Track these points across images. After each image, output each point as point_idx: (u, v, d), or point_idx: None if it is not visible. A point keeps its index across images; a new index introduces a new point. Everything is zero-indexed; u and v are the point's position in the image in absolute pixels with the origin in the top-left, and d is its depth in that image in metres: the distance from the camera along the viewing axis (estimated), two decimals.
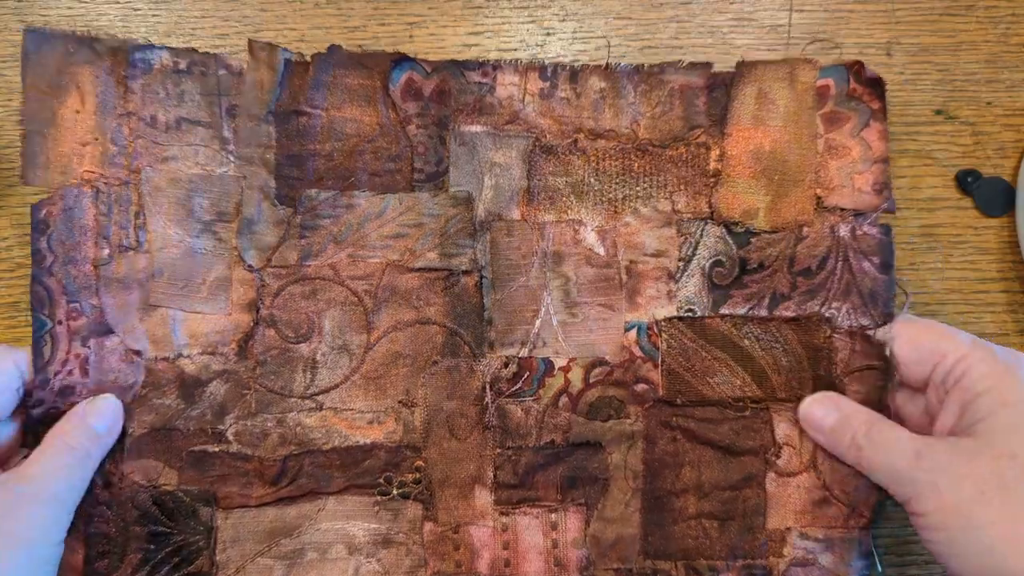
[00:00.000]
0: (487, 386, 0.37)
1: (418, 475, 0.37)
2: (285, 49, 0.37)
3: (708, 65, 0.38)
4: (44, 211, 0.36)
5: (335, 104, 0.38)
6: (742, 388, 0.37)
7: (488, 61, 0.38)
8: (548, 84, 0.38)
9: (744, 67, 0.38)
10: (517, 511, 0.37)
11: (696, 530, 0.37)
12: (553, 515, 0.37)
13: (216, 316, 0.36)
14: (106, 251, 0.36)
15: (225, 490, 0.36)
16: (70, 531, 0.34)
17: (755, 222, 0.38)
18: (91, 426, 0.34)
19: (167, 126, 0.37)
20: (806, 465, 0.37)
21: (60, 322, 0.35)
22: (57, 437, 0.33)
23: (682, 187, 0.38)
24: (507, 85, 0.38)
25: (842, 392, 0.37)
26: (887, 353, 0.36)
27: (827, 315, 0.37)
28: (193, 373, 0.36)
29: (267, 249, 0.37)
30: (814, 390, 0.37)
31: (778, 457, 0.37)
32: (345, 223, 0.37)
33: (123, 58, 0.36)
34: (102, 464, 0.35)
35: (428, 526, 0.37)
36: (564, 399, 0.37)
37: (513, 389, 0.37)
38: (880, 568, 0.37)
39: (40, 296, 0.36)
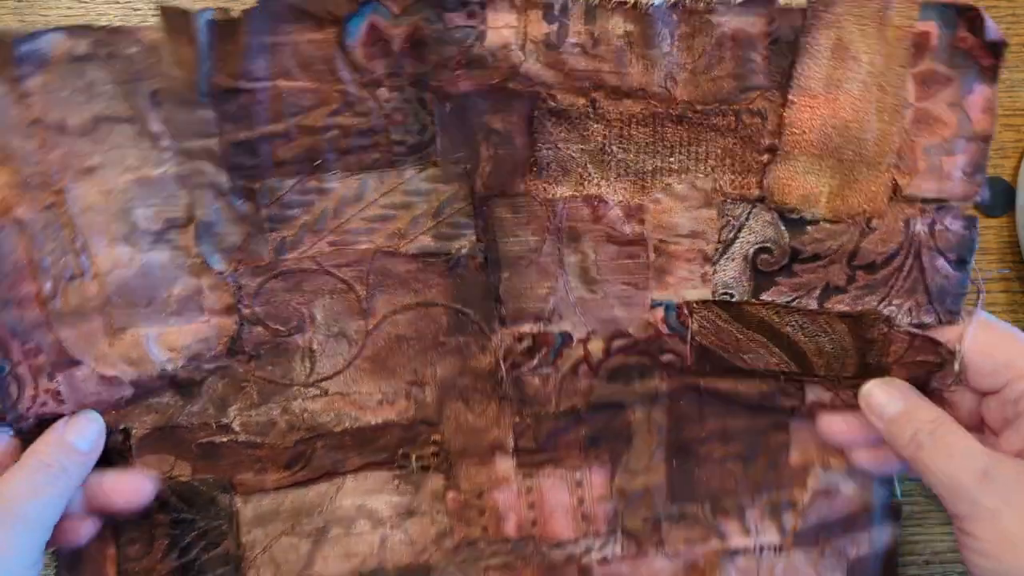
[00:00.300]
0: (500, 361, 0.34)
1: (436, 448, 0.35)
2: (206, 9, 0.30)
3: (771, 2, 0.30)
4: None
5: (282, 71, 0.31)
6: (778, 365, 0.34)
7: (474, 1, 0.30)
8: (556, 27, 0.30)
9: (818, 7, 0.30)
10: (540, 472, 0.36)
11: (721, 471, 0.36)
12: (577, 473, 0.36)
13: (194, 326, 0.33)
14: (48, 285, 0.31)
15: (240, 477, 0.35)
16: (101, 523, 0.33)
17: (815, 209, 0.32)
18: (70, 442, 0.32)
19: (82, 130, 0.30)
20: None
21: (19, 362, 0.32)
22: (32, 455, 0.31)
23: (727, 161, 0.32)
24: (501, 29, 0.30)
25: (888, 373, 0.34)
26: (956, 355, 0.32)
27: (886, 313, 0.33)
28: (185, 376, 0.34)
29: (233, 249, 0.33)
30: (857, 374, 0.34)
31: (803, 407, 0.36)
32: (319, 211, 0.33)
33: (8, 54, 0.29)
34: (116, 461, 0.34)
35: (451, 495, 0.35)
36: (584, 367, 0.35)
37: (529, 363, 0.35)
38: (899, 494, 0.37)
39: None
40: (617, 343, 0.35)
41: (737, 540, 0.37)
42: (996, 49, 0.30)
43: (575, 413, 0.36)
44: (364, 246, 0.33)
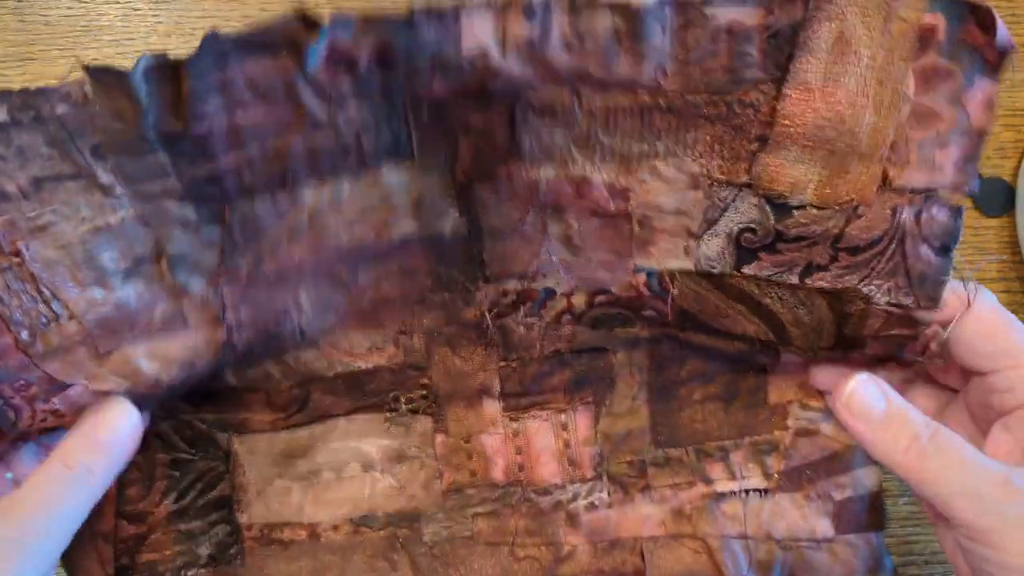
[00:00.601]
0: (485, 313, 0.35)
1: (424, 391, 0.36)
2: (139, 61, 0.26)
3: None
4: None
5: (236, 104, 0.27)
6: (756, 332, 0.34)
7: (447, 10, 0.27)
8: (538, 28, 0.27)
9: None
10: (527, 415, 0.36)
11: (703, 414, 0.36)
12: (563, 415, 0.36)
13: (181, 337, 0.31)
14: (24, 332, 0.29)
15: (239, 417, 0.35)
16: None
17: (802, 197, 0.31)
18: (98, 440, 0.30)
19: (24, 193, 0.28)
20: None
21: (12, 397, 0.30)
22: (55, 459, 0.29)
23: (716, 147, 0.30)
24: (476, 33, 0.27)
25: (864, 346, 0.32)
26: (945, 330, 0.30)
27: (865, 291, 0.31)
28: (179, 386, 0.33)
29: (210, 270, 0.30)
30: (836, 345, 0.33)
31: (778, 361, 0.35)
32: (295, 223, 0.30)
33: None
34: None
35: (439, 438, 0.36)
36: (567, 317, 0.35)
37: (514, 315, 0.35)
38: None
39: None
40: (599, 298, 0.35)
41: (722, 484, 0.36)
42: (1003, 51, 0.29)
43: (559, 356, 0.36)
44: (345, 245, 0.32)
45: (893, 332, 0.32)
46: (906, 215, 0.30)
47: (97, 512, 0.32)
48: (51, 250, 0.28)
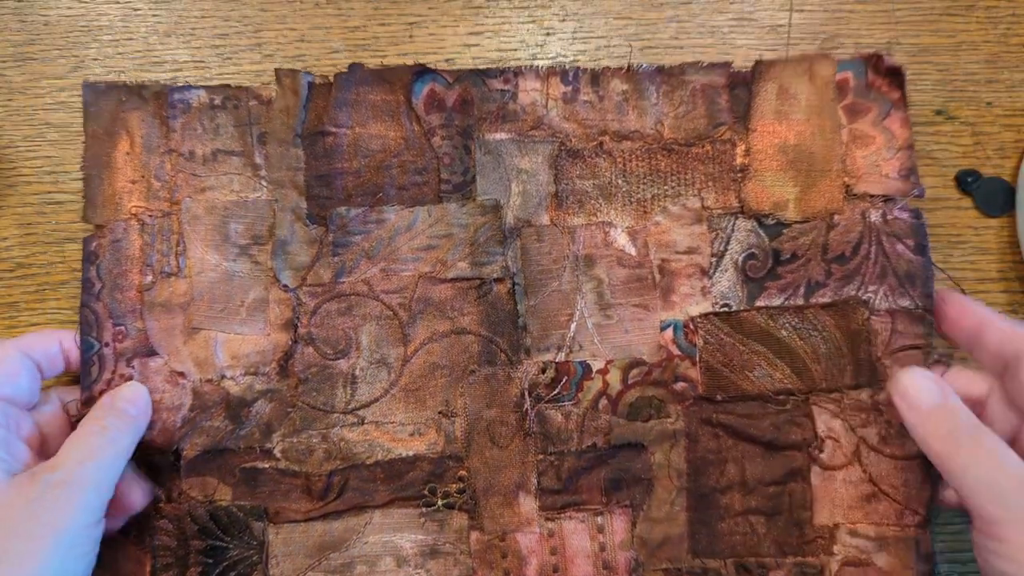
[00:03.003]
0: (525, 392, 0.37)
1: (462, 484, 0.37)
2: (307, 73, 0.38)
3: (727, 64, 0.39)
4: (95, 244, 0.37)
5: (359, 121, 0.38)
6: (782, 381, 0.37)
7: (509, 68, 0.39)
8: (570, 88, 0.39)
9: (762, 65, 0.38)
10: (563, 515, 0.37)
11: (743, 526, 0.37)
12: (599, 518, 0.37)
13: (255, 337, 0.37)
14: (149, 278, 0.37)
15: (276, 505, 0.36)
16: (134, 542, 0.36)
17: (786, 213, 0.38)
18: (120, 408, 0.34)
19: (204, 159, 0.38)
20: (849, 459, 0.37)
21: (107, 344, 0.36)
22: (86, 423, 0.33)
23: (710, 183, 0.38)
24: (529, 91, 0.39)
25: (883, 375, 0.36)
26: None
27: (864, 298, 0.37)
28: (238, 394, 0.36)
29: (301, 269, 0.38)
30: (855, 376, 0.37)
31: (821, 451, 0.37)
32: (376, 238, 0.38)
33: (164, 100, 0.38)
34: (162, 480, 0.36)
35: (474, 535, 0.37)
36: (603, 401, 0.37)
37: (552, 395, 0.37)
38: (939, 570, 0.37)
39: (88, 319, 0.36)
40: (633, 373, 0.37)
41: None
42: (896, 76, 0.38)
43: (596, 451, 0.37)
44: (410, 273, 0.38)
45: (905, 344, 0.36)
46: (875, 217, 0.38)
47: None
48: (201, 208, 0.38)
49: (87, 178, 0.38)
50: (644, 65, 0.38)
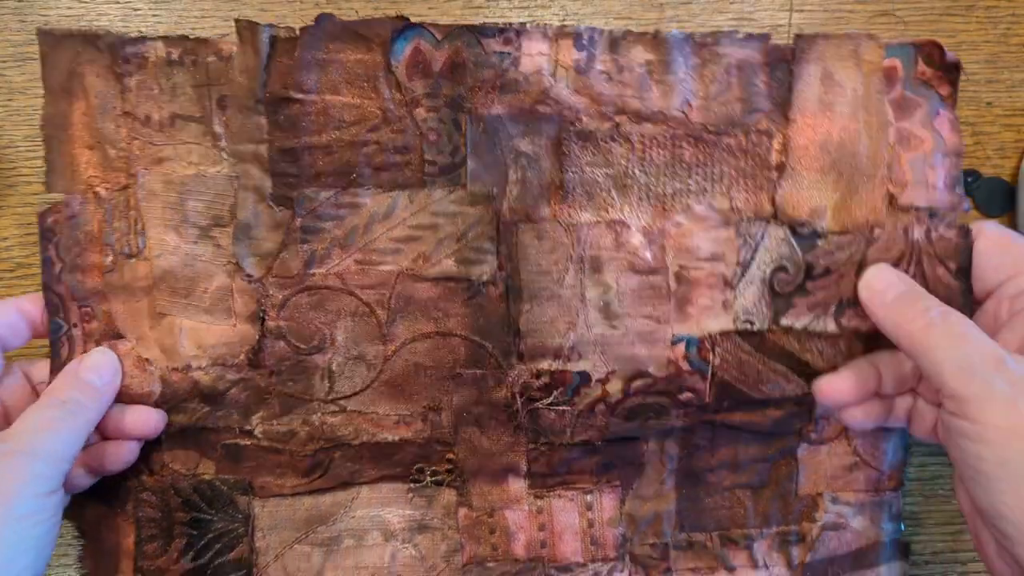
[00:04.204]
0: (516, 395, 0.35)
1: (450, 465, 0.36)
2: (269, 25, 0.33)
3: (767, 37, 0.34)
4: (51, 219, 0.34)
5: (330, 86, 0.33)
6: (793, 391, 0.35)
7: (511, 25, 0.33)
8: (584, 55, 0.33)
9: (805, 42, 0.34)
10: (552, 494, 0.36)
11: (730, 500, 0.37)
12: (588, 496, 0.36)
13: (221, 327, 0.34)
14: (110, 258, 0.34)
15: (260, 480, 0.35)
16: (120, 514, 0.35)
17: (823, 223, 0.33)
18: (84, 379, 0.33)
19: (161, 124, 0.34)
20: (838, 433, 0.37)
21: (75, 324, 0.34)
22: (48, 394, 0.33)
23: (741, 181, 0.34)
24: (534, 56, 0.33)
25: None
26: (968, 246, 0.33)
27: None
28: (208, 384, 0.35)
29: (267, 256, 0.34)
30: None
31: (812, 431, 0.37)
32: (349, 225, 0.34)
33: (118, 53, 0.34)
34: (145, 453, 0.35)
35: (462, 511, 0.36)
36: (601, 406, 0.35)
37: (545, 400, 0.35)
38: (903, 527, 0.38)
39: (53, 302, 0.34)
40: (636, 384, 0.35)
41: (745, 572, 0.37)
42: (952, 73, 0.34)
43: (589, 444, 0.36)
44: (389, 267, 0.34)
45: None
46: (918, 234, 0.33)
47: (116, 566, 0.36)
48: (157, 182, 0.34)
49: (47, 139, 0.34)
50: (674, 32, 0.33)
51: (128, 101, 0.34)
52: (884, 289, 0.32)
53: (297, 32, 0.33)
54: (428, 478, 0.36)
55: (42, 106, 0.34)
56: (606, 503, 0.36)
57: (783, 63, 0.33)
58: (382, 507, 0.36)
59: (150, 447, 0.35)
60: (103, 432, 0.34)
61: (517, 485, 0.36)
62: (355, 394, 0.35)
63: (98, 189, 0.34)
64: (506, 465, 0.36)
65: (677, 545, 0.37)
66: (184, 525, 0.35)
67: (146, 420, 0.35)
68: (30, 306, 0.34)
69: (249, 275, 0.34)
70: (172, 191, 0.34)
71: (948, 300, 0.32)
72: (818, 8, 0.41)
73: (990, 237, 0.33)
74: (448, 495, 0.36)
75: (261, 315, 0.34)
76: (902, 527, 0.38)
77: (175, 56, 0.34)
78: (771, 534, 0.37)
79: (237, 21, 0.33)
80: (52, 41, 0.34)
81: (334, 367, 0.35)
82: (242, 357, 0.35)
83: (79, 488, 0.35)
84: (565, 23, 0.40)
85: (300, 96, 0.33)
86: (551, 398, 0.35)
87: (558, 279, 0.34)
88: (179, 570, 0.35)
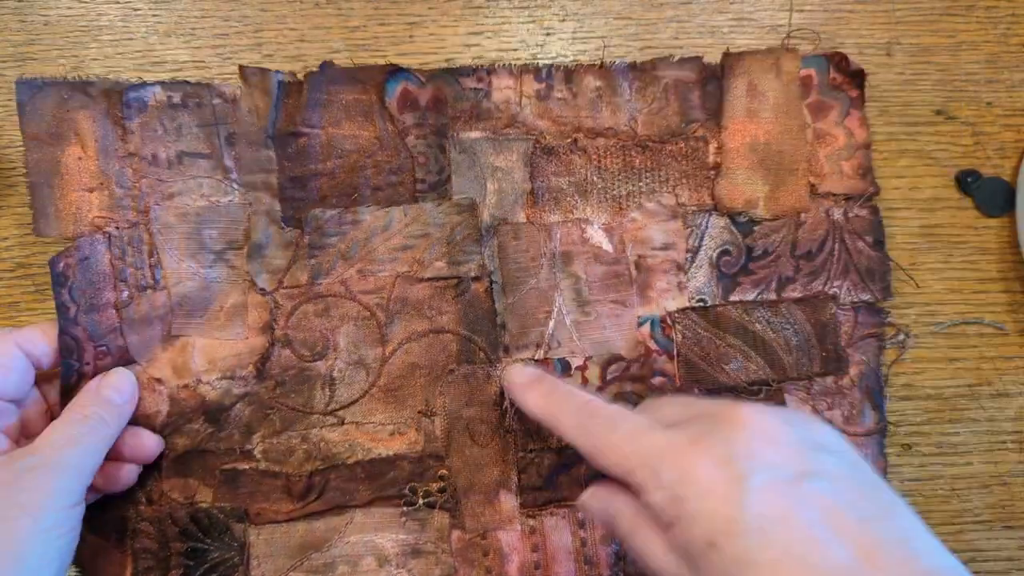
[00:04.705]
0: (504, 391, 0.37)
1: (443, 483, 0.37)
2: (278, 72, 0.38)
3: (699, 59, 0.39)
4: (62, 263, 0.36)
5: (332, 121, 0.38)
6: (756, 372, 0.38)
7: (481, 66, 0.39)
8: (544, 85, 0.39)
9: (731, 58, 0.39)
10: (544, 512, 0.37)
11: None
12: (580, 514, 0.37)
13: (233, 341, 0.37)
14: (125, 293, 0.36)
15: (256, 506, 0.36)
16: (117, 546, 0.36)
17: (756, 211, 0.39)
18: (105, 397, 0.34)
19: (169, 162, 0.37)
20: None
21: (88, 363, 0.36)
22: (70, 409, 0.34)
23: (684, 180, 0.39)
24: (503, 89, 0.38)
25: (847, 361, 0.38)
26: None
27: (831, 293, 0.39)
28: (215, 399, 0.36)
29: (278, 272, 0.37)
30: (823, 364, 0.38)
31: None
32: (352, 239, 0.37)
33: (117, 99, 0.37)
34: (144, 481, 0.36)
35: (456, 534, 0.37)
36: None
37: None
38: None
39: (68, 345, 0.35)
40: (612, 368, 0.38)
41: None
42: (859, 79, 0.39)
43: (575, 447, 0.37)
44: (387, 273, 0.38)
45: (865, 333, 0.39)
46: (837, 215, 0.39)
47: None
48: (172, 215, 0.37)
49: (33, 187, 0.36)
50: (617, 61, 0.39)
51: (131, 142, 0.37)
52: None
53: (302, 78, 0.38)
54: (421, 499, 0.37)
55: (24, 152, 0.36)
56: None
57: (714, 80, 0.39)
58: (376, 532, 0.37)
59: (150, 475, 0.36)
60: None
61: (509, 503, 0.37)
62: (353, 403, 0.37)
63: (107, 229, 0.37)
64: (497, 478, 0.37)
65: None
66: (181, 556, 0.36)
67: (145, 445, 0.36)
68: (31, 344, 0.34)
69: (263, 289, 0.37)
70: (188, 222, 0.37)
71: (872, 269, 0.39)
72: (818, 8, 0.41)
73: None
74: (441, 518, 0.37)
75: (272, 326, 0.37)
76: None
77: (176, 100, 0.37)
78: None
79: (242, 68, 0.37)
80: (32, 91, 0.36)
81: (335, 373, 0.37)
82: (250, 368, 0.37)
83: (86, 502, 0.35)
84: (564, 23, 0.40)
85: (307, 131, 0.38)
86: None
87: (535, 272, 0.38)
88: None
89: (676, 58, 0.39)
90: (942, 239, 0.40)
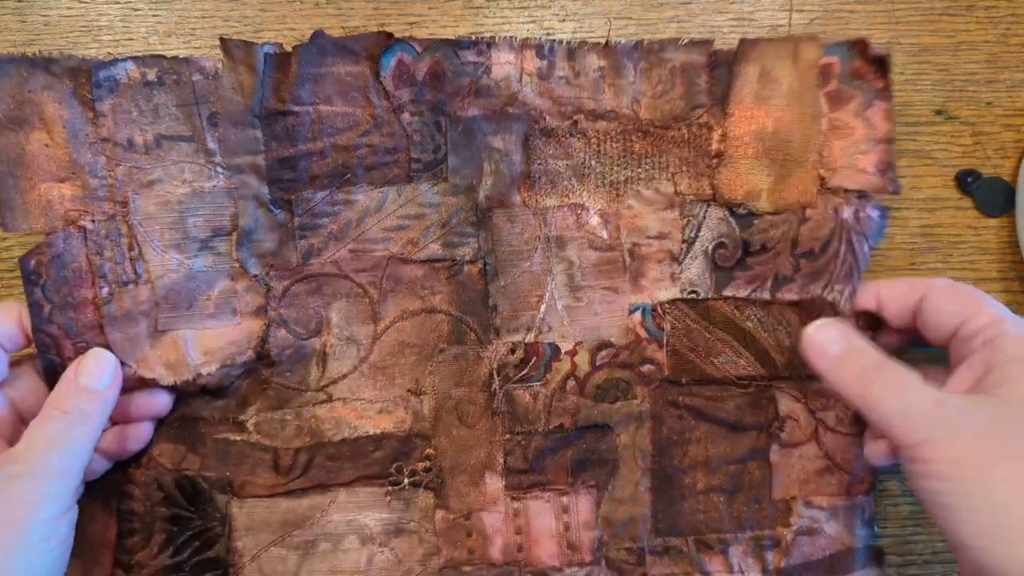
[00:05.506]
0: (494, 372, 0.37)
1: (428, 463, 0.37)
2: (264, 44, 0.35)
3: (709, 42, 0.37)
4: (34, 261, 0.33)
5: (324, 98, 0.35)
6: (746, 368, 0.37)
7: (482, 39, 0.36)
8: (545, 63, 0.37)
9: (746, 45, 0.37)
10: (528, 495, 0.37)
11: (705, 504, 0.37)
12: (564, 498, 0.37)
13: (226, 328, 0.35)
14: (105, 290, 0.34)
15: (241, 478, 0.36)
16: (103, 505, 0.35)
17: (758, 204, 0.37)
18: (84, 385, 0.32)
19: (146, 147, 0.34)
20: (808, 436, 0.38)
21: (69, 358, 0.34)
22: (49, 406, 0.32)
23: (684, 168, 0.37)
24: (503, 64, 0.36)
25: None
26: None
27: (830, 299, 0.37)
28: (215, 383, 0.36)
29: (267, 255, 0.36)
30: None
31: (782, 430, 0.37)
32: (344, 220, 0.36)
33: (85, 78, 0.34)
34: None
35: (440, 514, 0.37)
36: (571, 382, 0.37)
37: (520, 375, 0.37)
38: (876, 531, 0.38)
39: (44, 342, 0.34)
40: (601, 354, 0.37)
41: None
42: (882, 65, 0.36)
43: (563, 432, 0.37)
44: (380, 253, 0.36)
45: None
46: (847, 214, 0.37)
47: (96, 559, 0.35)
48: (152, 205, 0.34)
49: None
50: (623, 41, 0.37)
51: (104, 127, 0.34)
52: (825, 345, 0.34)
53: (290, 50, 0.35)
54: (406, 479, 0.37)
55: None
56: (582, 506, 0.37)
57: (723, 64, 0.37)
58: (359, 511, 0.37)
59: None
60: (112, 419, 0.34)
61: (494, 485, 0.37)
62: (342, 378, 0.37)
63: (82, 222, 0.34)
64: (483, 460, 0.37)
65: (653, 550, 0.37)
66: (165, 521, 0.36)
67: (155, 401, 0.35)
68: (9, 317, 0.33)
69: (254, 275, 0.36)
70: (170, 211, 0.34)
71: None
72: (818, 8, 0.41)
73: (941, 289, 0.34)
74: (426, 497, 0.37)
75: (266, 308, 0.36)
76: (876, 532, 0.38)
77: (151, 77, 0.34)
78: (746, 539, 0.37)
79: (223, 40, 0.34)
80: None
81: (328, 349, 0.36)
82: (250, 352, 0.36)
83: (96, 474, 0.35)
84: (565, 23, 0.40)
85: (296, 108, 0.35)
86: (525, 371, 0.37)
87: (528, 256, 0.37)
88: (158, 565, 0.36)
89: (685, 40, 0.37)
90: (942, 239, 0.40)
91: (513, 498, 0.37)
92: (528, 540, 0.37)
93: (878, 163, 0.37)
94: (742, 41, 0.37)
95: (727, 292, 0.37)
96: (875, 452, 0.36)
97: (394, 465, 0.37)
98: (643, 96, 0.37)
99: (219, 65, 0.34)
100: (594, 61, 0.37)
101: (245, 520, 0.36)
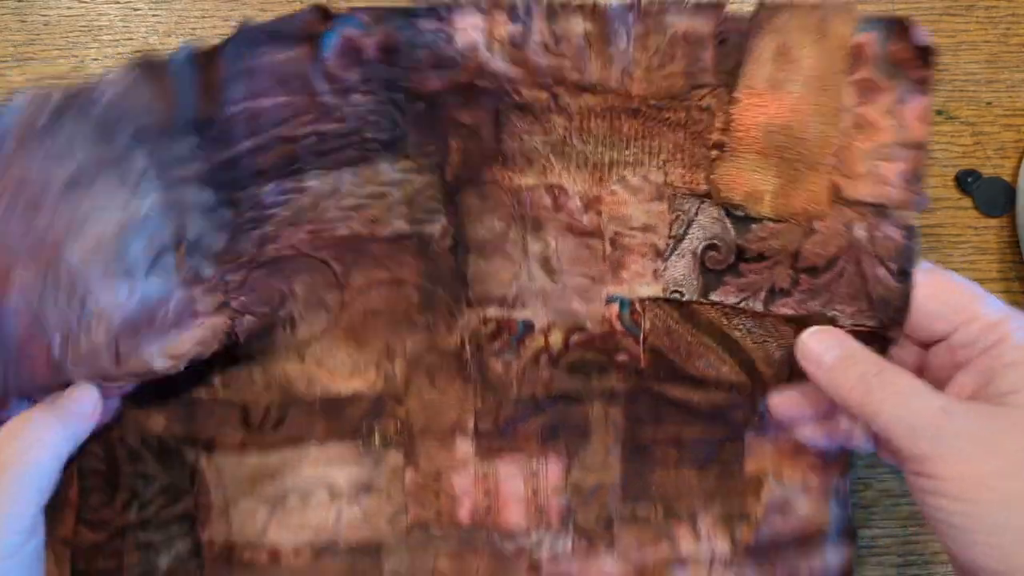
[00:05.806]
0: (466, 341, 0.35)
1: (399, 423, 0.36)
2: (183, 47, 0.31)
3: (720, 7, 0.31)
4: None
5: (260, 92, 0.31)
6: (728, 375, 0.35)
7: (443, 4, 0.31)
8: (520, 29, 0.31)
9: (765, 12, 0.31)
10: (498, 459, 0.36)
11: (675, 476, 0.36)
12: (534, 462, 0.36)
13: (191, 331, 0.33)
14: (57, 339, 0.30)
15: (208, 435, 0.35)
16: (65, 465, 0.32)
17: (759, 208, 0.32)
18: (60, 404, 0.31)
19: (68, 186, 0.30)
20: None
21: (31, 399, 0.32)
22: (20, 423, 0.30)
23: (677, 156, 0.33)
24: (468, 30, 0.31)
25: None
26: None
27: (829, 315, 0.33)
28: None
29: (219, 253, 0.33)
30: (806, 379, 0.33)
31: (761, 417, 0.36)
32: (298, 206, 0.33)
33: None
34: None
35: (409, 473, 0.36)
36: (544, 357, 0.36)
37: (492, 346, 0.35)
38: (850, 512, 0.37)
39: None
40: (575, 337, 0.35)
41: (687, 546, 0.36)
42: (926, 56, 0.30)
43: (535, 401, 0.36)
44: (341, 232, 0.34)
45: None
46: (860, 232, 0.31)
47: (58, 517, 0.34)
48: (89, 244, 0.30)
49: None
50: (615, 3, 0.31)
51: (14, 167, 0.29)
52: (820, 353, 0.32)
53: (214, 46, 0.31)
54: (376, 439, 0.36)
55: None
56: (551, 471, 0.36)
57: (735, 36, 0.31)
58: (329, 467, 0.36)
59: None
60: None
61: (464, 447, 0.36)
62: (314, 339, 0.35)
63: (16, 286, 0.30)
64: (454, 422, 0.36)
65: (621, 517, 0.36)
66: (130, 477, 0.35)
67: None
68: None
69: (209, 276, 0.33)
70: (108, 247, 0.31)
71: (887, 302, 0.31)
72: None
73: (926, 286, 0.31)
74: (396, 456, 0.36)
75: (227, 303, 0.34)
76: (850, 513, 0.37)
77: (54, 107, 0.30)
78: (715, 510, 0.36)
79: (137, 58, 0.30)
80: None
81: (296, 315, 0.35)
82: (216, 345, 0.34)
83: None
84: None
85: (230, 108, 0.31)
86: (497, 344, 0.35)
87: (501, 234, 0.34)
88: (123, 522, 0.35)
89: (691, 3, 0.31)
90: (942, 239, 0.40)
91: (483, 460, 0.36)
92: (496, 503, 0.36)
93: (904, 173, 0.31)
94: (760, 5, 0.31)
95: (714, 296, 0.34)
96: (885, 455, 0.34)
97: (364, 424, 0.36)
98: (636, 68, 0.32)
99: (133, 77, 0.31)
100: (579, 24, 0.31)
101: (214, 475, 0.35)
